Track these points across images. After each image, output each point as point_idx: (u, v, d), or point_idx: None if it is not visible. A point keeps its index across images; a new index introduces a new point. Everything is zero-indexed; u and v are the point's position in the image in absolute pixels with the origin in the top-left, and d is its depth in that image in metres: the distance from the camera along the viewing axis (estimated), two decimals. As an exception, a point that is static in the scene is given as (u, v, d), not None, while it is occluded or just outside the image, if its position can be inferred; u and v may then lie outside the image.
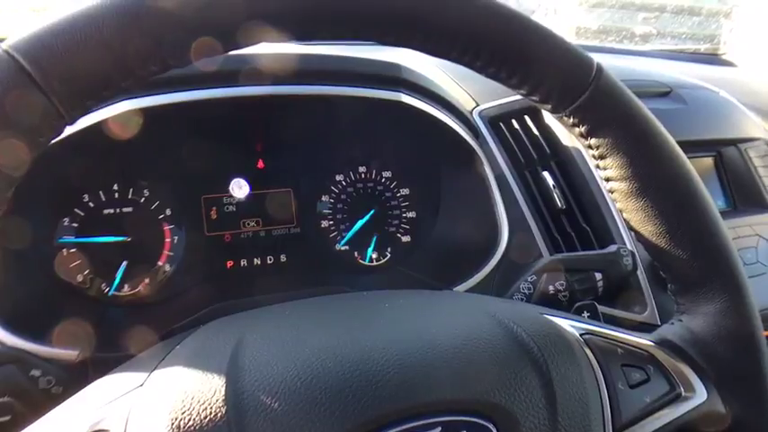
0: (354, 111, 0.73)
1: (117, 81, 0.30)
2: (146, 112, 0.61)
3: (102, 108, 0.58)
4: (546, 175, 0.77)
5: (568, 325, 0.41)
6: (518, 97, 0.74)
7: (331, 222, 0.83)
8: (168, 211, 0.75)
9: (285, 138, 0.79)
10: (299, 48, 0.80)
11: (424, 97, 0.72)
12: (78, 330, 0.58)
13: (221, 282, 0.76)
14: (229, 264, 0.77)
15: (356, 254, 0.83)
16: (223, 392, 0.31)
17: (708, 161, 0.98)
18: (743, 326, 0.39)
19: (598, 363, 0.38)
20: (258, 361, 0.34)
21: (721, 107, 1.03)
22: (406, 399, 0.32)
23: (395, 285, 0.77)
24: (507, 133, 0.79)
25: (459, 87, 0.84)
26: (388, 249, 0.84)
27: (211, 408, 0.31)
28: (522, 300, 0.65)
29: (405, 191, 0.86)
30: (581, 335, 0.40)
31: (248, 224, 0.79)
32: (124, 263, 0.71)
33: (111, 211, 0.72)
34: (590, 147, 0.40)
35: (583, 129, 0.39)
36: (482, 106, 0.81)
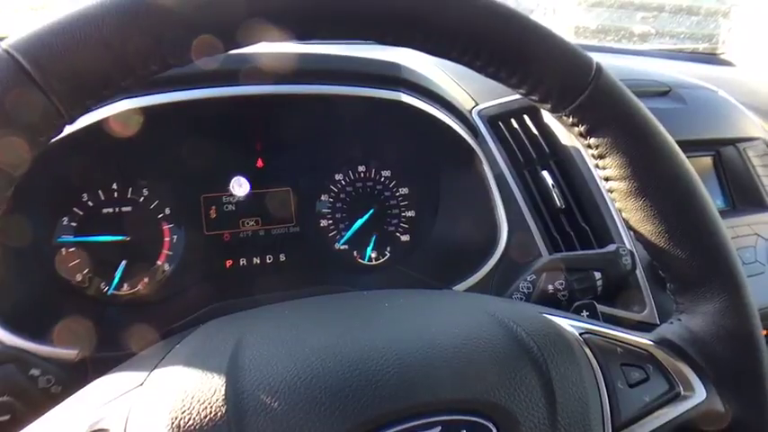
0: (354, 110, 0.73)
1: (117, 80, 0.30)
2: (145, 111, 0.61)
3: (101, 107, 0.58)
4: (545, 174, 0.77)
5: (568, 324, 0.41)
6: (517, 97, 0.74)
7: (330, 221, 0.83)
8: (167, 211, 0.75)
9: (285, 137, 0.79)
10: (298, 47, 0.79)
11: (423, 97, 0.72)
12: (78, 329, 0.58)
13: (220, 281, 0.76)
14: (229, 263, 0.77)
15: (355, 253, 0.83)
16: (223, 392, 0.31)
17: (707, 161, 0.98)
18: (742, 325, 0.39)
19: (597, 362, 0.38)
20: (258, 360, 0.34)
21: (720, 107, 1.03)
22: (405, 398, 0.32)
23: (394, 285, 0.77)
24: (506, 133, 0.79)
25: (459, 87, 0.84)
26: (388, 249, 0.84)
27: (211, 407, 0.31)
28: (521, 299, 0.65)
29: (404, 190, 0.86)
30: (580, 334, 0.40)
31: (248, 223, 0.79)
32: (123, 262, 0.71)
33: (111, 210, 0.72)
34: (589, 146, 0.40)
35: (582, 128, 0.39)
36: (481, 106, 0.81)
